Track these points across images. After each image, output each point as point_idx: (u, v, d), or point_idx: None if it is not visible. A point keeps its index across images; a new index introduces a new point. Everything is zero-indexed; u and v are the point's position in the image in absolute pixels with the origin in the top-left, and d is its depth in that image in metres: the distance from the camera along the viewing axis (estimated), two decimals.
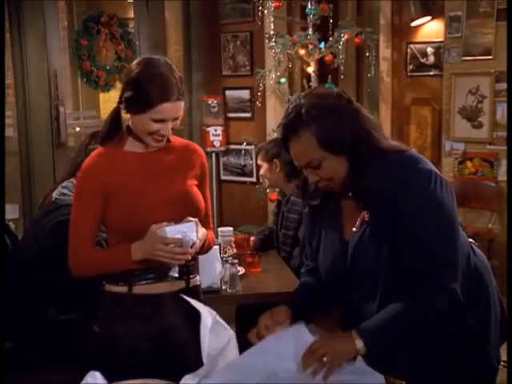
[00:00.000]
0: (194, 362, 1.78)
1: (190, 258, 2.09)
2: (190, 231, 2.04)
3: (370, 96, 5.83)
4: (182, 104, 2.09)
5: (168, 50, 5.64)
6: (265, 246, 3.64)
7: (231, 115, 5.73)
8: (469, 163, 5.10)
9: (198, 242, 2.08)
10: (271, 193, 4.88)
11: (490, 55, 4.94)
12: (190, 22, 5.69)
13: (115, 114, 2.17)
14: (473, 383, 1.93)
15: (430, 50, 6.01)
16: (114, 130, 2.17)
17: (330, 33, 4.90)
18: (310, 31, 4.87)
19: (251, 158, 5.60)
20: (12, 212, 4.80)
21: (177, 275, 2.13)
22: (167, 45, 5.74)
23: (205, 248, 2.25)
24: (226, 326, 1.79)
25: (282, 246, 3.52)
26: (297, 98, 1.90)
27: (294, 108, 1.87)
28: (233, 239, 3.52)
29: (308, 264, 2.15)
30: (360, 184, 1.84)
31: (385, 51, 5.83)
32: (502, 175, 4.97)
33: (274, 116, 5.41)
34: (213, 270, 2.86)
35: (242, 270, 3.12)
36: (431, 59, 6.03)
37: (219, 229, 3.56)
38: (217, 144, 5.59)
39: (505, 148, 4.79)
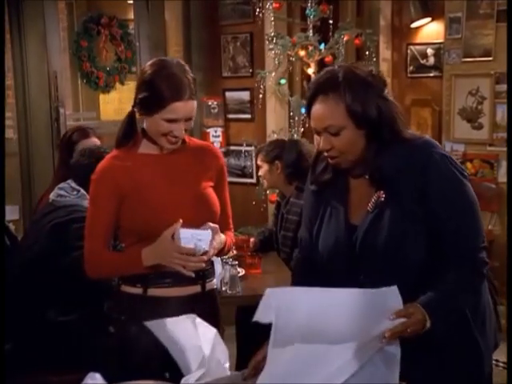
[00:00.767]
0: None
1: (203, 265, 2.08)
2: (204, 239, 2.03)
3: None
4: (194, 104, 2.10)
5: (168, 51, 5.64)
6: (265, 248, 3.65)
7: (231, 116, 5.73)
8: (469, 164, 5.09)
9: (211, 250, 2.07)
10: (271, 194, 4.88)
11: (490, 56, 4.94)
12: (190, 23, 5.69)
13: (130, 117, 2.18)
14: None
15: (430, 51, 6.00)
16: (129, 133, 2.18)
17: (330, 34, 4.91)
18: (310, 32, 4.87)
19: (251, 160, 5.60)
20: (12, 213, 4.80)
21: (193, 275, 2.09)
22: (167, 46, 5.74)
23: (225, 252, 2.27)
24: (206, 324, 1.79)
25: (282, 248, 3.52)
26: (334, 66, 1.92)
27: (331, 71, 1.88)
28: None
29: (298, 261, 2.15)
30: (379, 163, 1.84)
31: (385, 52, 5.83)
32: (502, 176, 4.96)
33: (274, 117, 5.41)
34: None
35: (242, 272, 3.12)
36: (431, 60, 6.02)
37: None
38: (217, 145, 5.58)
39: (505, 149, 4.79)
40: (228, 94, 5.72)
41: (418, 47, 6.08)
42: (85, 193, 2.66)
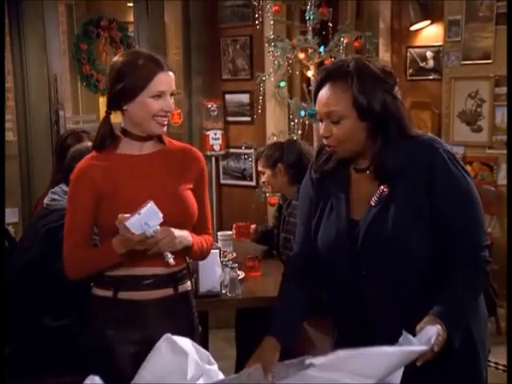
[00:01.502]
0: None
1: (169, 240, 2.04)
2: (150, 217, 1.98)
3: None
4: (173, 76, 2.15)
5: (168, 54, 5.64)
6: (263, 240, 3.68)
7: (231, 119, 5.73)
8: (468, 167, 5.09)
9: (158, 227, 2.00)
10: (271, 197, 4.88)
11: (489, 59, 4.95)
12: (190, 26, 5.69)
13: (106, 122, 2.22)
14: None
15: (429, 54, 6.00)
16: (107, 138, 2.19)
17: (330, 37, 4.91)
18: (310, 35, 4.87)
19: (251, 162, 5.60)
20: (11, 216, 4.81)
21: (172, 261, 2.06)
22: (167, 49, 5.74)
23: (196, 252, 2.21)
24: (180, 337, 1.67)
25: (283, 250, 3.51)
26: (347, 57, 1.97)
27: (344, 60, 1.92)
28: (234, 226, 3.65)
29: (291, 261, 2.15)
30: (384, 158, 1.85)
31: (384, 55, 5.83)
32: (502, 179, 4.96)
33: (273, 120, 5.41)
34: (213, 274, 2.86)
35: (241, 274, 3.12)
36: (431, 63, 6.02)
37: (219, 233, 3.57)
38: (216, 148, 5.59)
39: (504, 152, 4.79)
40: (228, 97, 5.71)
41: (417, 50, 6.08)
42: None
